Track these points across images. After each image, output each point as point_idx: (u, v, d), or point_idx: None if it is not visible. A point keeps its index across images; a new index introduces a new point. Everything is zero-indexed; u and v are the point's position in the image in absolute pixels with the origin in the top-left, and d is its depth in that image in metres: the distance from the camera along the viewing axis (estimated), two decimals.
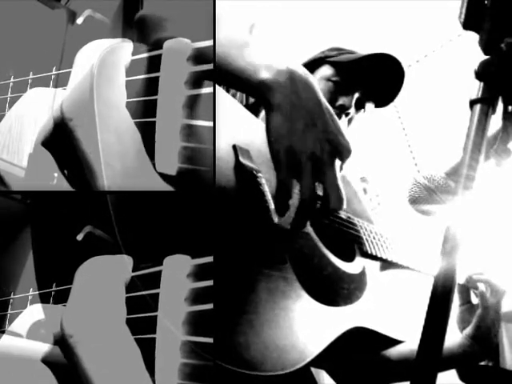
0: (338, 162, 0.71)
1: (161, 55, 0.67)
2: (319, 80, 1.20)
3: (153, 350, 0.58)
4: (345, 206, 0.71)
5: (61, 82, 0.81)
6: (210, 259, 0.58)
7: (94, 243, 0.72)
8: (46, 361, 0.65)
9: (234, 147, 0.84)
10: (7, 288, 0.90)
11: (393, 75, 1.21)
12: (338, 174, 0.71)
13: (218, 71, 0.70)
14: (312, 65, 1.24)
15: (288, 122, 0.69)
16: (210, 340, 0.56)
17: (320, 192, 0.71)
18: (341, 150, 0.71)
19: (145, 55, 0.67)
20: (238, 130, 0.89)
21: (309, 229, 0.90)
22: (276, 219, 0.82)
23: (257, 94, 0.71)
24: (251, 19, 0.76)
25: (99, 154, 0.62)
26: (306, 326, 0.78)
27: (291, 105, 0.69)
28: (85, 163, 0.63)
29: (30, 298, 0.86)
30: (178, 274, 0.59)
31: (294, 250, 0.84)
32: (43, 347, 0.66)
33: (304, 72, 0.72)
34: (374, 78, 1.20)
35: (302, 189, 0.70)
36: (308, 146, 0.69)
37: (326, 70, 1.21)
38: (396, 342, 1.01)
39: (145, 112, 0.66)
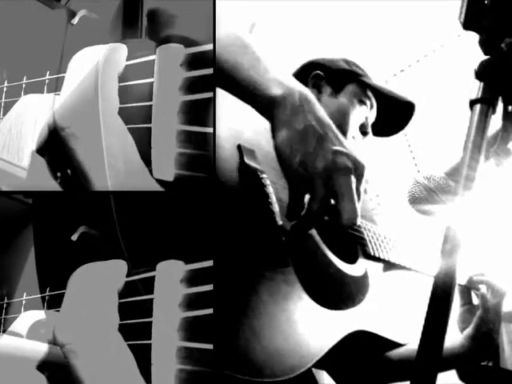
0: (353, 178, 0.70)
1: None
2: (350, 95, 1.18)
3: (149, 356, 0.58)
4: (359, 223, 0.70)
5: (59, 84, 0.81)
6: (205, 264, 0.58)
7: (89, 243, 0.72)
8: (47, 361, 0.65)
9: (239, 147, 0.84)
10: (1, 291, 0.90)
11: (402, 117, 1.23)
12: (354, 190, 0.69)
13: (223, 78, 0.70)
14: (338, 74, 1.21)
15: (299, 137, 0.69)
16: (209, 346, 0.56)
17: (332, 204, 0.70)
18: (356, 165, 0.70)
19: (140, 60, 0.67)
20: (243, 129, 0.88)
21: (312, 231, 0.90)
22: (280, 222, 0.81)
23: (265, 109, 0.71)
24: (251, 19, 0.76)
25: (102, 156, 0.62)
26: (307, 329, 0.78)
27: (301, 121, 0.69)
28: (80, 171, 0.63)
29: (24, 302, 0.85)
30: (171, 280, 0.59)
31: (297, 252, 0.84)
32: (41, 347, 0.66)
33: (312, 96, 0.72)
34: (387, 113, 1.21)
35: (313, 201, 0.70)
36: (322, 160, 0.68)
37: (356, 88, 1.20)
38: (398, 346, 1.01)
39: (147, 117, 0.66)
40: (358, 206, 0.69)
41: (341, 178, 0.68)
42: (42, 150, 0.66)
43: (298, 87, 0.71)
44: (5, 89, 0.84)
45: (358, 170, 0.70)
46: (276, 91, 0.70)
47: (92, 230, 0.71)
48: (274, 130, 0.70)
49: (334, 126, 0.71)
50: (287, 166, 0.70)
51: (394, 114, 1.21)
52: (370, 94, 1.18)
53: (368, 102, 1.18)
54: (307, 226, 0.73)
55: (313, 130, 0.69)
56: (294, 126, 0.69)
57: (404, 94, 1.21)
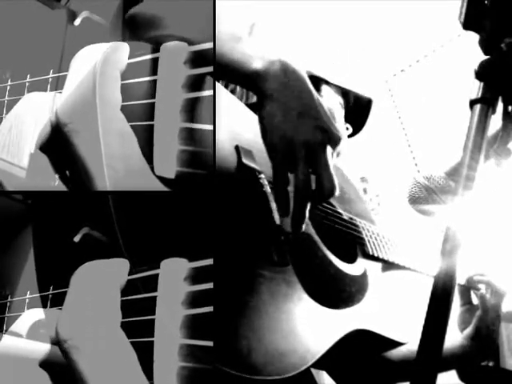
0: (329, 150, 0.73)
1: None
2: (328, 96, 1.19)
3: (151, 353, 0.58)
4: (337, 193, 0.74)
5: (60, 84, 0.81)
6: (207, 262, 0.58)
7: (91, 244, 0.72)
8: (47, 361, 0.65)
9: (237, 148, 0.84)
10: (5, 290, 0.90)
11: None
12: (331, 162, 0.73)
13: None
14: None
15: (282, 111, 0.71)
16: (210, 343, 0.56)
17: (313, 181, 0.74)
18: (332, 138, 0.73)
19: (141, 58, 0.67)
20: (241, 130, 0.89)
21: (311, 230, 0.90)
22: (278, 221, 0.81)
23: (249, 83, 0.73)
24: (251, 19, 0.76)
25: (101, 156, 0.62)
26: (307, 328, 0.78)
27: (284, 94, 0.71)
28: (82, 168, 0.63)
29: (27, 300, 0.85)
30: (175, 277, 0.59)
31: (296, 252, 0.84)
32: (42, 347, 0.66)
33: (296, 64, 0.73)
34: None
35: (297, 176, 0.72)
36: (301, 134, 0.71)
37: (329, 89, 1.20)
38: (398, 345, 1.01)
39: (147, 115, 0.66)
40: (336, 178, 0.73)
41: (319, 152, 0.72)
42: (43, 148, 0.67)
43: (279, 58, 0.73)
44: (8, 87, 0.84)
45: (332, 140, 0.73)
46: (257, 65, 0.71)
47: (94, 231, 0.71)
48: (258, 103, 0.72)
49: (315, 95, 0.73)
50: (269, 139, 0.72)
51: (355, 112, 1.22)
52: (339, 93, 1.19)
53: (342, 101, 1.19)
54: (303, 204, 0.75)
55: (295, 103, 0.71)
56: (277, 98, 0.71)
57: (363, 91, 1.21)
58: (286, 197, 0.75)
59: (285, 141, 0.71)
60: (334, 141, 0.73)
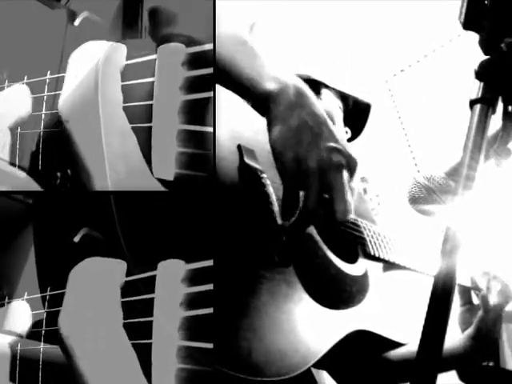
0: (345, 174, 0.71)
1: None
2: (328, 99, 1.19)
3: (149, 355, 0.58)
4: (351, 217, 0.71)
5: (60, 85, 0.80)
6: (205, 264, 0.58)
7: (91, 245, 0.72)
8: (47, 360, 0.65)
9: (239, 147, 0.84)
10: (2, 291, 0.90)
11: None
12: (346, 185, 0.70)
13: (221, 74, 0.70)
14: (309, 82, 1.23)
15: (293, 134, 0.69)
16: (209, 345, 0.56)
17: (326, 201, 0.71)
18: (349, 161, 0.71)
19: (139, 60, 0.67)
20: (243, 129, 0.88)
21: (312, 230, 0.90)
22: (280, 221, 0.81)
23: (261, 104, 0.71)
24: (251, 19, 0.76)
25: (103, 155, 0.62)
26: (308, 329, 0.78)
27: (297, 118, 0.70)
28: (81, 165, 0.63)
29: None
30: (172, 279, 0.59)
31: (297, 252, 0.84)
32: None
33: (310, 91, 0.73)
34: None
35: (307, 197, 0.70)
36: (314, 156, 0.69)
37: (329, 93, 1.20)
38: (398, 345, 1.01)
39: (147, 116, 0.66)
40: (351, 200, 0.70)
41: (334, 175, 0.69)
42: (45, 147, 0.67)
43: (294, 82, 0.72)
44: (5, 88, 0.84)
45: (350, 165, 0.71)
46: (271, 86, 0.70)
47: (94, 231, 0.71)
48: (269, 126, 0.71)
49: (328, 121, 0.72)
50: (280, 162, 0.70)
51: (353, 116, 1.22)
52: (338, 96, 1.19)
53: (341, 105, 1.19)
54: (304, 223, 0.74)
55: (307, 126, 0.70)
56: (289, 121, 0.69)
57: (362, 95, 1.21)
58: (292, 214, 0.74)
59: (296, 163, 0.69)
60: (351, 164, 0.71)
